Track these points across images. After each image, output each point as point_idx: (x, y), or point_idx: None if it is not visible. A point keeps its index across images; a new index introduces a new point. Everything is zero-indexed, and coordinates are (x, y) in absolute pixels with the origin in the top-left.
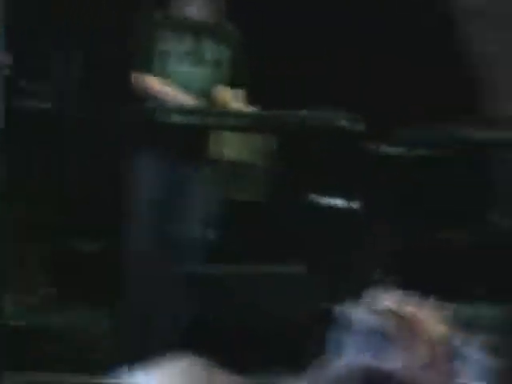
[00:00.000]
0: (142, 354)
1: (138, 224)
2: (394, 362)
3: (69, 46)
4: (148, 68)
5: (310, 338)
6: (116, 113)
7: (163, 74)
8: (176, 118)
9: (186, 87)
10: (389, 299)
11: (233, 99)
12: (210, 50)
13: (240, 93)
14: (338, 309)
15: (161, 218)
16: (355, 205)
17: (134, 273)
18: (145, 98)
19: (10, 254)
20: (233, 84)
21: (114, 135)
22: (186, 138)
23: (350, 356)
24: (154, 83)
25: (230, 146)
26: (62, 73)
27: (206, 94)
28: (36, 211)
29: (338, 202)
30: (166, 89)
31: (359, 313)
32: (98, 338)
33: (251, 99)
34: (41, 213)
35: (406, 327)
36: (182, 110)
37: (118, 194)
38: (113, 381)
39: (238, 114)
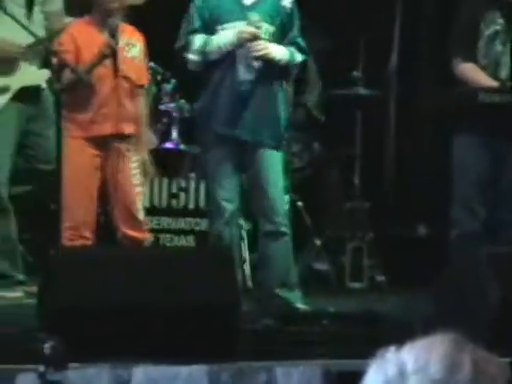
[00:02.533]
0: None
1: (462, 205)
2: None
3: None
4: (469, 53)
5: None
6: (439, 96)
7: (484, 57)
8: (497, 98)
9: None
10: None
11: None
12: None
13: None
14: None
15: (483, 198)
16: None
17: (459, 254)
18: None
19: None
20: None
21: (435, 118)
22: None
23: None
24: (471, 71)
25: None
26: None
27: None
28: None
29: None
30: (482, 77)
31: None
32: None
33: None
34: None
35: None
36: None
37: (439, 177)
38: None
39: None
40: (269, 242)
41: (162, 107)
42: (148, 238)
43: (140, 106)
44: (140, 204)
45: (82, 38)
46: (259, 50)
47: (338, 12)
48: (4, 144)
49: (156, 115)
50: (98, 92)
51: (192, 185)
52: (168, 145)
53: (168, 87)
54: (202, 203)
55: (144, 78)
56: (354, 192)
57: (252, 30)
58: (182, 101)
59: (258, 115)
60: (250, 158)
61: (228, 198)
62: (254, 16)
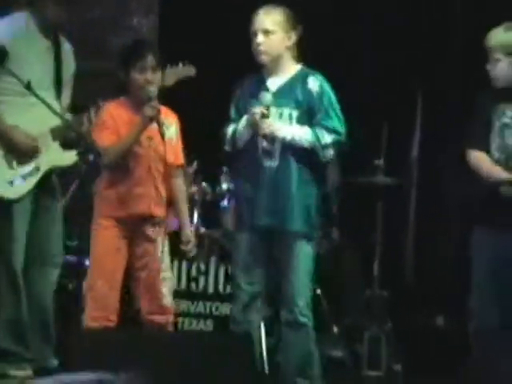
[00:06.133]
0: None
1: (479, 297)
2: None
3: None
4: (481, 144)
5: None
6: (460, 187)
7: (497, 149)
8: None
9: None
10: None
11: None
12: None
13: None
14: None
15: (498, 290)
16: None
17: (477, 346)
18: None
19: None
20: None
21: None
22: None
23: None
24: (483, 161)
25: None
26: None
27: None
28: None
29: None
30: (494, 168)
31: None
32: None
33: None
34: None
35: None
36: None
37: (459, 267)
38: None
39: None
40: (288, 330)
41: None
42: (170, 322)
43: (179, 186)
44: (166, 290)
45: (121, 118)
46: (265, 128)
47: (360, 100)
48: (21, 233)
49: None
50: (133, 172)
51: (212, 268)
52: None
53: (190, 170)
54: (221, 287)
55: (181, 159)
56: (373, 280)
57: (261, 109)
58: (204, 183)
59: (288, 202)
60: (278, 245)
61: (249, 282)
62: (267, 96)
